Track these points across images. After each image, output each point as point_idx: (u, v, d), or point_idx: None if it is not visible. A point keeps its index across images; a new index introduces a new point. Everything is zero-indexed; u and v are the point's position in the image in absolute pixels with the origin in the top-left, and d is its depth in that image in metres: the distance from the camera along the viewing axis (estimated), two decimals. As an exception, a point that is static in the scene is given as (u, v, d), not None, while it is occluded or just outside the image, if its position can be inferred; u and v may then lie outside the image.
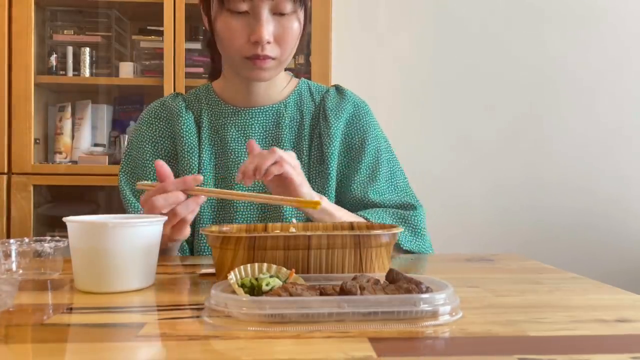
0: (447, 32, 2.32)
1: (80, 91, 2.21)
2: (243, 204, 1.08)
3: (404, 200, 1.13)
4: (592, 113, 2.35)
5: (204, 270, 0.80)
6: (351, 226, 0.87)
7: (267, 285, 0.60)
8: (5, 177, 1.98)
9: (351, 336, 0.50)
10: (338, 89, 1.20)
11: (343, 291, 0.56)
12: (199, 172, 1.10)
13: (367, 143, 1.14)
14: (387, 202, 1.11)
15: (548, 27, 2.34)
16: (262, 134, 1.13)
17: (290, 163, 0.91)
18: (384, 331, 0.52)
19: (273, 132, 1.13)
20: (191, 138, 1.11)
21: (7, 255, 0.76)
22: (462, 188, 2.33)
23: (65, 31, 2.17)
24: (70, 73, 2.13)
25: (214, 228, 0.80)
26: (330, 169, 1.10)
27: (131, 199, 1.09)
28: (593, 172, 2.36)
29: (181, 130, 1.11)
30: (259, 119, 1.13)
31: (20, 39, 1.98)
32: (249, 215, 1.08)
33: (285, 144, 1.12)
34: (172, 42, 2.01)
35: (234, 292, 0.59)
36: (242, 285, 0.60)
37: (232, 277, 0.61)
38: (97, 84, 2.19)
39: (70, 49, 2.14)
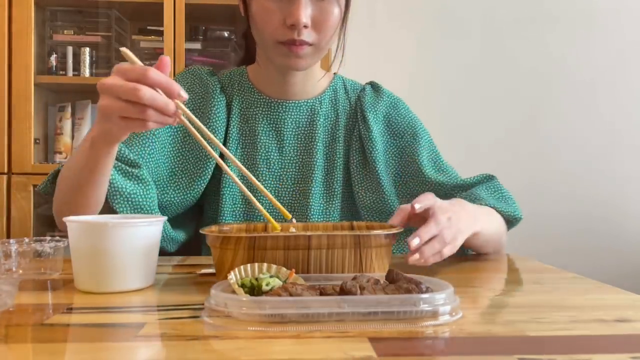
0: (447, 32, 2.32)
1: (80, 91, 2.21)
2: (269, 201, 1.02)
3: (477, 176, 1.06)
4: (591, 115, 2.35)
5: (204, 270, 0.80)
6: (351, 226, 0.87)
7: (267, 285, 0.60)
8: (5, 177, 1.98)
9: (351, 336, 0.50)
10: (374, 86, 1.15)
11: (343, 291, 0.56)
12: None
13: (419, 137, 1.10)
14: (467, 182, 1.05)
15: (550, 28, 2.34)
16: (294, 130, 1.07)
17: (447, 245, 0.78)
18: (384, 331, 0.52)
19: (306, 129, 1.07)
20: (219, 123, 1.03)
21: (7, 255, 0.76)
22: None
23: (65, 31, 2.17)
24: (70, 73, 2.13)
25: (214, 228, 0.79)
26: (379, 171, 1.05)
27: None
28: (593, 174, 2.35)
29: (211, 112, 1.03)
30: (293, 113, 1.07)
31: (20, 39, 1.98)
32: (276, 213, 1.04)
33: (317, 143, 1.07)
34: (172, 42, 2.01)
35: (234, 292, 0.59)
36: (242, 285, 0.60)
37: (232, 277, 0.61)
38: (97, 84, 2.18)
39: (70, 49, 2.14)
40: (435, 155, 1.11)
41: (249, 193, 0.78)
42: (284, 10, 0.93)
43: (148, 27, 2.18)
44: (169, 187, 1.01)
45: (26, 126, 1.99)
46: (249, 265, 0.64)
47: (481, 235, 0.89)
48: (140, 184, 0.95)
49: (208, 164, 1.02)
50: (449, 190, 1.05)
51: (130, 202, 0.92)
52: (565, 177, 2.34)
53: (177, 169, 1.02)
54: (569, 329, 0.54)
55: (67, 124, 2.17)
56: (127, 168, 0.94)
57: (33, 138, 2.01)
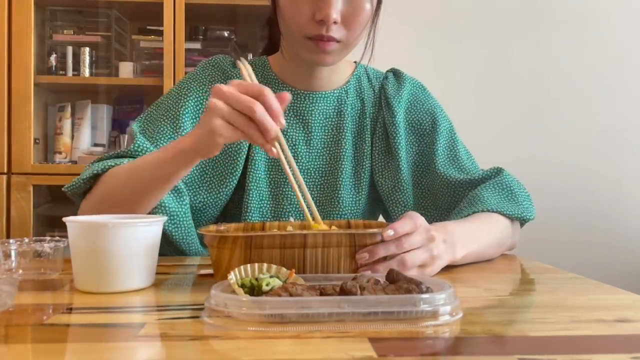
0: (446, 32, 2.32)
1: (80, 91, 2.22)
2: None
3: (487, 170, 1.04)
4: (591, 114, 2.35)
5: (203, 271, 0.80)
6: (348, 225, 0.87)
7: (267, 285, 0.60)
8: (5, 177, 1.98)
9: (351, 336, 0.50)
10: (395, 73, 1.13)
11: (343, 291, 0.56)
12: (248, 158, 1.00)
13: (438, 124, 1.07)
14: (476, 176, 1.02)
15: (548, 28, 2.34)
16: (322, 122, 1.05)
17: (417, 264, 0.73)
18: (384, 331, 0.52)
19: (334, 120, 1.05)
20: None
21: (7, 255, 0.76)
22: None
23: (65, 31, 2.17)
24: (70, 73, 2.13)
25: (211, 227, 0.79)
26: (401, 160, 1.04)
27: (142, 141, 0.96)
28: (593, 172, 2.35)
29: None
30: (320, 105, 1.04)
31: (20, 39, 1.98)
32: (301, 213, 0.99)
33: (346, 134, 1.04)
34: (172, 42, 2.02)
35: (234, 292, 0.59)
36: (242, 286, 0.60)
37: (232, 277, 0.60)
38: (96, 84, 2.19)
39: (70, 49, 2.14)
40: (452, 144, 1.08)
41: (298, 192, 0.79)
42: (313, 4, 0.91)
43: (148, 27, 2.18)
44: (201, 188, 1.00)
45: (26, 126, 1.99)
46: (249, 265, 0.64)
47: (470, 256, 0.85)
48: (173, 192, 0.93)
49: (238, 159, 1.00)
50: (457, 187, 1.02)
51: (165, 211, 0.91)
52: (565, 176, 2.34)
53: (207, 167, 1.00)
54: (569, 329, 0.54)
55: (67, 124, 2.17)
56: None
57: (33, 138, 2.01)
